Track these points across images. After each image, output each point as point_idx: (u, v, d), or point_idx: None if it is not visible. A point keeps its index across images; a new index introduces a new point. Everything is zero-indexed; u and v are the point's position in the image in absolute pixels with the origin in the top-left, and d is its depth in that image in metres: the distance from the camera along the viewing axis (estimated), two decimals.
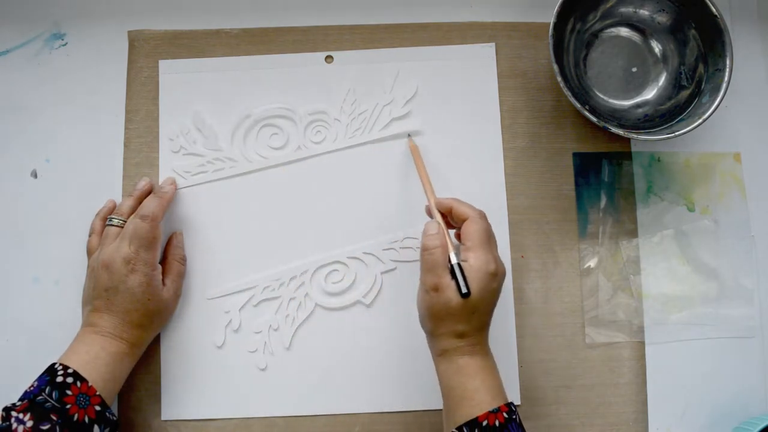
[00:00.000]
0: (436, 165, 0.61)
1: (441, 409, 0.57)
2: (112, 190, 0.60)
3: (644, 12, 0.62)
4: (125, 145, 0.61)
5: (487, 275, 0.48)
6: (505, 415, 0.46)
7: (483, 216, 0.50)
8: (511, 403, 0.47)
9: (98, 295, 0.52)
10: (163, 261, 0.57)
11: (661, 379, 0.58)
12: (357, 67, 0.62)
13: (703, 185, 0.61)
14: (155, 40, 0.62)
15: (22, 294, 0.59)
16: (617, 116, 0.61)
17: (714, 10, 0.58)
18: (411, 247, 0.59)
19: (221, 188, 0.60)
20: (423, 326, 0.50)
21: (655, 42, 0.63)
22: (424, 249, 0.49)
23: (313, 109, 0.61)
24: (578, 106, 0.55)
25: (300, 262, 0.59)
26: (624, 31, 0.63)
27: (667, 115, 0.60)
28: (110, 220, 0.56)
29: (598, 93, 0.62)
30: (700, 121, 0.56)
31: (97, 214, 0.58)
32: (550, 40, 0.56)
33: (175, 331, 0.58)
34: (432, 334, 0.49)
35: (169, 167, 0.60)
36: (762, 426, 0.54)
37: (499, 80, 0.62)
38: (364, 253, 0.59)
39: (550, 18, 0.56)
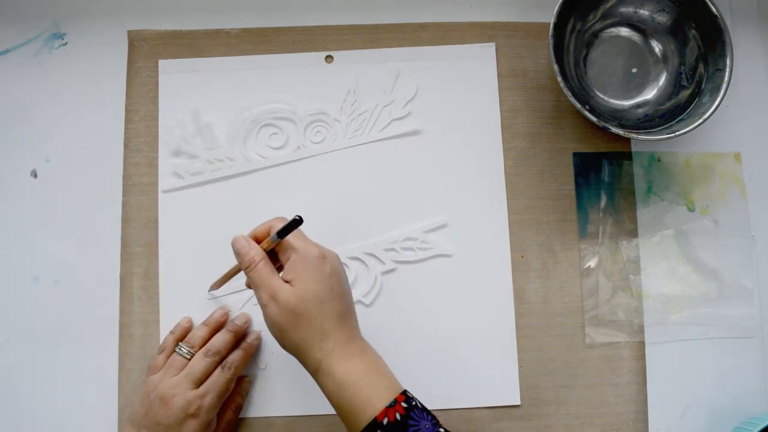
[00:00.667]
0: (436, 165, 0.61)
1: (440, 409, 0.57)
2: (112, 190, 0.60)
3: (644, 12, 0.62)
4: (125, 145, 0.61)
5: (314, 258, 0.46)
6: (404, 404, 0.44)
7: (280, 217, 0.50)
8: (406, 391, 0.46)
9: (147, 424, 0.50)
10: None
11: (661, 379, 0.58)
12: (357, 67, 0.62)
13: (703, 185, 0.61)
14: (155, 39, 0.62)
15: (22, 294, 0.59)
16: (617, 116, 0.61)
17: (714, 10, 0.58)
18: (411, 248, 0.59)
19: (221, 188, 0.60)
20: (288, 349, 0.47)
21: (656, 42, 0.63)
22: (247, 269, 0.47)
23: (313, 109, 0.61)
24: (578, 106, 0.55)
25: None
26: (624, 31, 0.63)
27: (667, 115, 0.60)
28: (179, 348, 0.54)
29: (598, 93, 0.62)
30: (700, 121, 0.56)
31: (171, 332, 0.56)
32: (550, 40, 0.56)
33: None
34: (298, 350, 0.46)
35: (169, 167, 0.60)
36: (762, 426, 0.54)
37: (499, 80, 0.62)
38: (365, 253, 0.59)
39: (550, 18, 0.56)
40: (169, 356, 0.54)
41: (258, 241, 0.49)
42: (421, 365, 0.58)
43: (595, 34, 0.63)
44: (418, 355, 0.58)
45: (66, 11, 0.63)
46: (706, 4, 0.58)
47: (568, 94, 0.55)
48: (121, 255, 0.59)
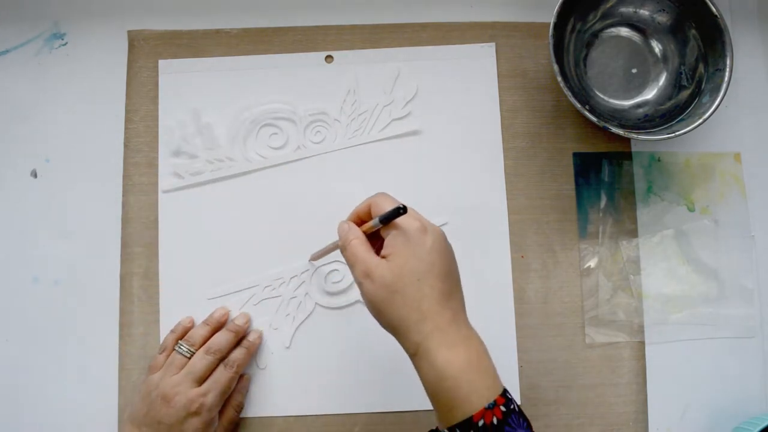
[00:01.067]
0: (436, 165, 0.61)
1: None
2: (112, 190, 0.60)
3: (644, 12, 0.62)
4: (125, 145, 0.61)
5: (414, 232, 0.42)
6: (502, 408, 0.41)
7: (383, 193, 0.47)
8: (506, 390, 0.42)
9: (149, 423, 0.50)
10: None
11: (661, 379, 0.58)
12: (357, 67, 0.62)
13: (703, 185, 0.61)
14: (155, 39, 0.62)
15: (22, 294, 0.59)
16: (617, 116, 0.61)
17: (714, 10, 0.58)
18: None
19: (221, 188, 0.60)
20: (385, 328, 0.44)
21: (656, 42, 0.63)
22: (343, 249, 0.45)
23: (313, 109, 0.61)
24: (578, 106, 0.55)
25: (300, 261, 0.59)
26: (624, 31, 0.63)
27: (667, 115, 0.60)
28: (179, 347, 0.54)
29: (598, 93, 0.62)
30: (700, 121, 0.56)
31: (172, 331, 0.56)
32: (550, 40, 0.56)
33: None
34: (395, 330, 0.43)
35: (169, 167, 0.60)
36: (762, 426, 0.54)
37: (499, 80, 0.62)
38: None
39: (550, 18, 0.56)
40: (169, 355, 0.54)
41: (359, 218, 0.47)
42: None
43: (595, 34, 0.63)
44: None
45: (66, 11, 0.63)
46: (706, 4, 0.58)
47: (568, 94, 0.55)
48: (121, 255, 0.59)
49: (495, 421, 0.40)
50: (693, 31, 0.60)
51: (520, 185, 0.61)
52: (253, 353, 0.57)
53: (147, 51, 0.62)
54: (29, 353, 0.58)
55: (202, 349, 0.54)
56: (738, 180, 0.62)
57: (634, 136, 0.56)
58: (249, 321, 0.58)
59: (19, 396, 0.57)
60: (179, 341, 0.54)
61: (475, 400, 0.41)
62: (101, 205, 0.60)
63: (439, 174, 0.61)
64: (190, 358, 0.53)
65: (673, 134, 0.56)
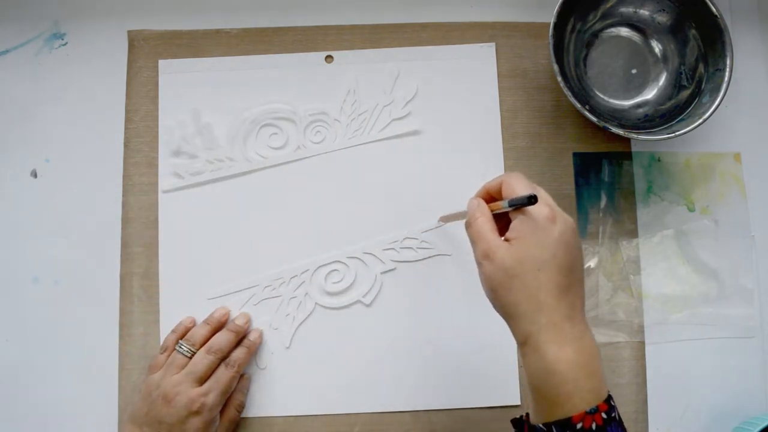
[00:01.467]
0: (436, 165, 0.61)
1: (440, 409, 0.57)
2: (112, 190, 0.60)
3: (644, 12, 0.62)
4: (125, 145, 0.61)
5: (542, 220, 0.42)
6: (603, 415, 0.40)
7: (517, 173, 0.46)
8: (610, 397, 0.41)
9: (150, 423, 0.51)
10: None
11: (661, 379, 0.58)
12: (357, 67, 0.62)
13: (703, 185, 0.61)
14: (155, 39, 0.62)
15: (22, 294, 0.59)
16: (617, 116, 0.61)
17: (714, 10, 0.58)
18: (411, 248, 0.59)
19: (221, 188, 0.60)
20: (498, 311, 0.43)
21: (656, 42, 0.63)
22: (468, 225, 0.45)
23: (313, 109, 0.61)
24: (578, 106, 0.55)
25: (300, 261, 0.59)
26: (624, 31, 0.63)
27: (667, 115, 0.60)
28: (180, 347, 0.54)
29: (598, 93, 0.62)
30: (700, 121, 0.56)
31: (173, 331, 0.56)
32: (550, 40, 0.56)
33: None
34: (507, 315, 0.42)
35: (169, 167, 0.60)
36: (762, 426, 0.54)
37: (499, 80, 0.62)
38: (364, 252, 0.59)
39: (550, 18, 0.56)
40: (170, 355, 0.54)
41: (489, 195, 0.47)
42: (421, 365, 0.58)
43: (595, 34, 0.63)
44: (418, 354, 0.58)
45: (66, 11, 0.63)
46: (706, 4, 0.58)
47: (568, 94, 0.55)
48: (121, 255, 0.59)
49: (594, 426, 0.40)
50: (693, 31, 0.60)
51: None
52: (254, 353, 0.57)
53: (147, 51, 0.62)
54: (29, 353, 0.58)
55: (203, 348, 0.54)
56: (738, 180, 0.62)
57: (634, 136, 0.56)
58: (249, 321, 0.58)
59: (19, 396, 0.57)
60: (180, 341, 0.54)
61: (578, 401, 0.40)
62: (101, 205, 0.60)
63: (439, 174, 0.61)
64: (190, 358, 0.53)
65: (673, 134, 0.56)
